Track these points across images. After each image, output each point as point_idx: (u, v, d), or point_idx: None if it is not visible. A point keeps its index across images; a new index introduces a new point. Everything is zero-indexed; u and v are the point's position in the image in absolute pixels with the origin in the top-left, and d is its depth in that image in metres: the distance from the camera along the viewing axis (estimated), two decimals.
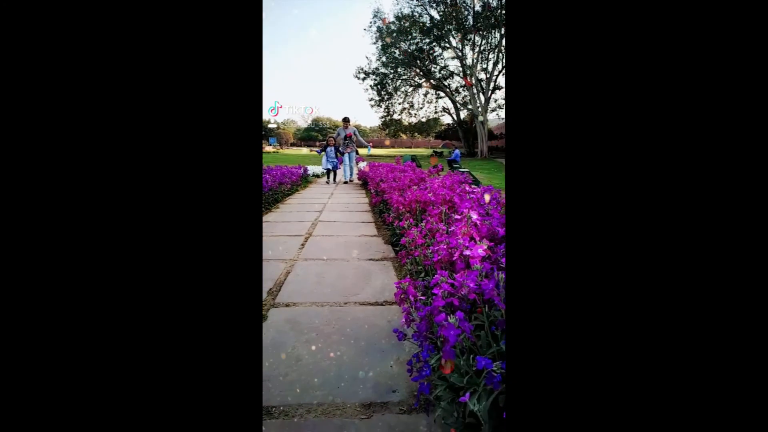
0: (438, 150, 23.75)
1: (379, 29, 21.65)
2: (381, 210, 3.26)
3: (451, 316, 0.71)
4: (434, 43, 21.29)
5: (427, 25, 20.57)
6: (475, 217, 1.04)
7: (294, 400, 0.93)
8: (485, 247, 0.91)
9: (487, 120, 20.94)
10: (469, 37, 20.20)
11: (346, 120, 6.90)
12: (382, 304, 1.51)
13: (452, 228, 1.17)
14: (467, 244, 0.95)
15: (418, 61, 21.60)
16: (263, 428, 0.84)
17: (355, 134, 6.73)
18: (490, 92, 20.64)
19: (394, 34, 20.99)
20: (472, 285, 0.78)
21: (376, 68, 23.14)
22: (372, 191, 4.35)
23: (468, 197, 1.58)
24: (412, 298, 0.93)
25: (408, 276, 1.29)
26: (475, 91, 20.54)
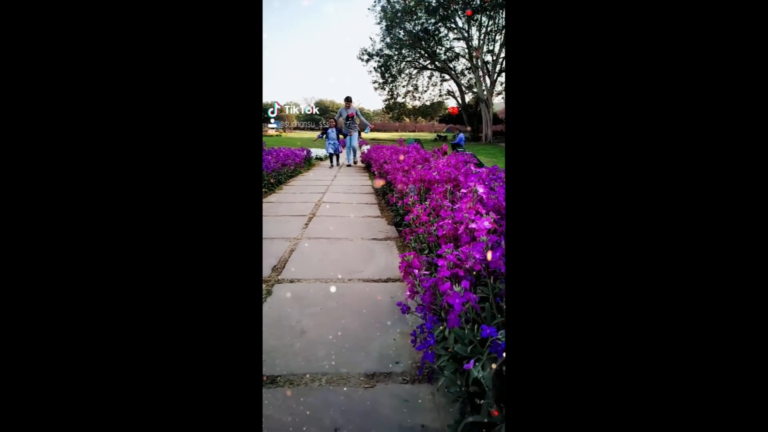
0: (442, 134, 23.52)
1: (383, 9, 21.15)
2: (384, 191, 3.24)
3: (457, 285, 0.71)
4: (440, 24, 20.80)
5: (433, 4, 20.05)
6: (481, 190, 1.03)
7: (299, 370, 0.94)
8: (491, 219, 0.90)
9: (492, 104, 20.61)
10: (475, 18, 19.71)
11: (348, 99, 6.52)
12: (385, 281, 1.52)
13: (457, 205, 1.16)
14: (473, 218, 0.94)
15: (423, 42, 21.16)
16: (269, 397, 0.85)
17: (357, 114, 6.48)
18: (495, 75, 20.23)
19: (399, 14, 20.50)
20: (478, 256, 0.77)
21: (380, 49, 22.72)
22: (375, 173, 4.32)
23: (474, 173, 1.57)
24: (416, 271, 0.92)
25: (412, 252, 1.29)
26: (480, 73, 20.15)
